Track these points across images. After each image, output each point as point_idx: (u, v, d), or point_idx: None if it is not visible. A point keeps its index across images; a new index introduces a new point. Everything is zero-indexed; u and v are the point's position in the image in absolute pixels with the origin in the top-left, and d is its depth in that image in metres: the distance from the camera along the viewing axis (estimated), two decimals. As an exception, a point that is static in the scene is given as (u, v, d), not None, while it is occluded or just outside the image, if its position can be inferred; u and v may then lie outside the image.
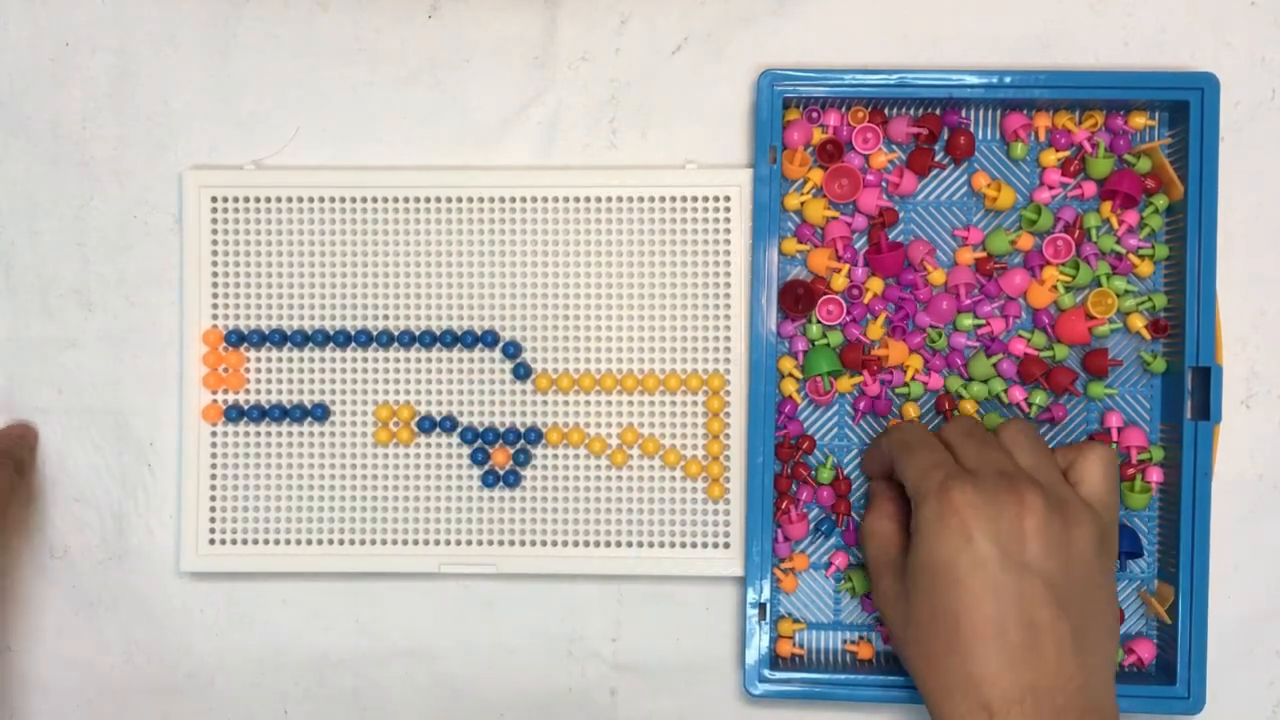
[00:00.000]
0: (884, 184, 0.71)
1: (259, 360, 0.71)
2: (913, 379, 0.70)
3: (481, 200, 0.71)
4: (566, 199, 0.71)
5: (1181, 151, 0.69)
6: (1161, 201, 0.70)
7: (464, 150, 0.72)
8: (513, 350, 0.71)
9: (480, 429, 0.71)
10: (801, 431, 0.71)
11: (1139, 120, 0.70)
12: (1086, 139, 0.70)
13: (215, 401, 0.71)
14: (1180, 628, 0.68)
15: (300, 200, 0.71)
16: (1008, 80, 0.69)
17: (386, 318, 0.71)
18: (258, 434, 0.71)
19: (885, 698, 0.69)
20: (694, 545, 0.70)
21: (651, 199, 0.70)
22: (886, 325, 0.70)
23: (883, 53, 0.71)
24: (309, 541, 0.71)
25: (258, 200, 0.71)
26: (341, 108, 0.72)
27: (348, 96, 0.72)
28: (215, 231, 0.71)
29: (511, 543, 0.71)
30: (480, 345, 0.71)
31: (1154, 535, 0.71)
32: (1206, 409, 0.68)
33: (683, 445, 0.71)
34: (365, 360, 0.71)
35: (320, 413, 0.71)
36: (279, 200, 0.71)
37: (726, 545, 0.70)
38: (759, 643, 0.69)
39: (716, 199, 0.70)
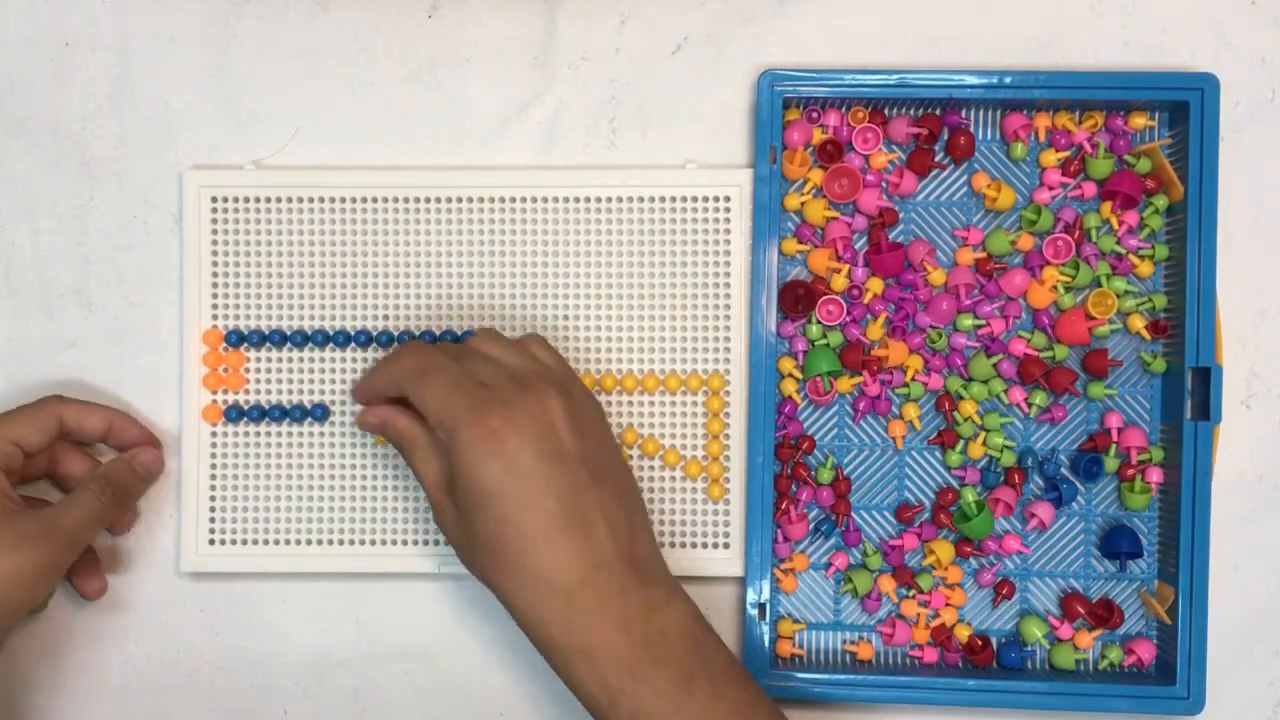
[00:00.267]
0: (884, 184, 0.71)
1: (259, 360, 0.71)
2: (913, 379, 0.70)
3: (481, 200, 0.71)
4: (566, 199, 0.70)
5: (1181, 151, 0.69)
6: (1161, 202, 0.70)
7: (464, 150, 0.72)
8: (513, 350, 0.71)
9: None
10: (801, 431, 0.71)
11: (1139, 120, 0.70)
12: (1086, 139, 0.70)
13: (215, 402, 0.71)
14: (1180, 628, 0.68)
15: (300, 200, 0.71)
16: (1008, 80, 0.69)
17: (386, 318, 0.71)
18: (258, 434, 0.71)
19: (885, 698, 0.69)
20: (694, 545, 0.70)
21: (651, 199, 0.70)
22: (886, 325, 0.70)
23: (883, 53, 0.71)
24: (309, 541, 0.71)
25: (258, 200, 0.71)
26: (341, 108, 0.72)
27: (348, 96, 0.72)
28: (215, 231, 0.71)
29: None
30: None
31: (1154, 535, 0.71)
32: (1206, 409, 0.68)
33: (683, 446, 0.71)
34: (365, 360, 0.71)
35: (320, 413, 0.71)
36: (279, 200, 0.71)
37: (726, 545, 0.70)
38: (759, 643, 0.69)
39: (716, 199, 0.70)
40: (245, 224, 0.71)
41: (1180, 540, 0.68)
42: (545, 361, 0.65)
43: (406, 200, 0.71)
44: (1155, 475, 0.70)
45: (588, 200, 0.70)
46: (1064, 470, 0.71)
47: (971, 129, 0.71)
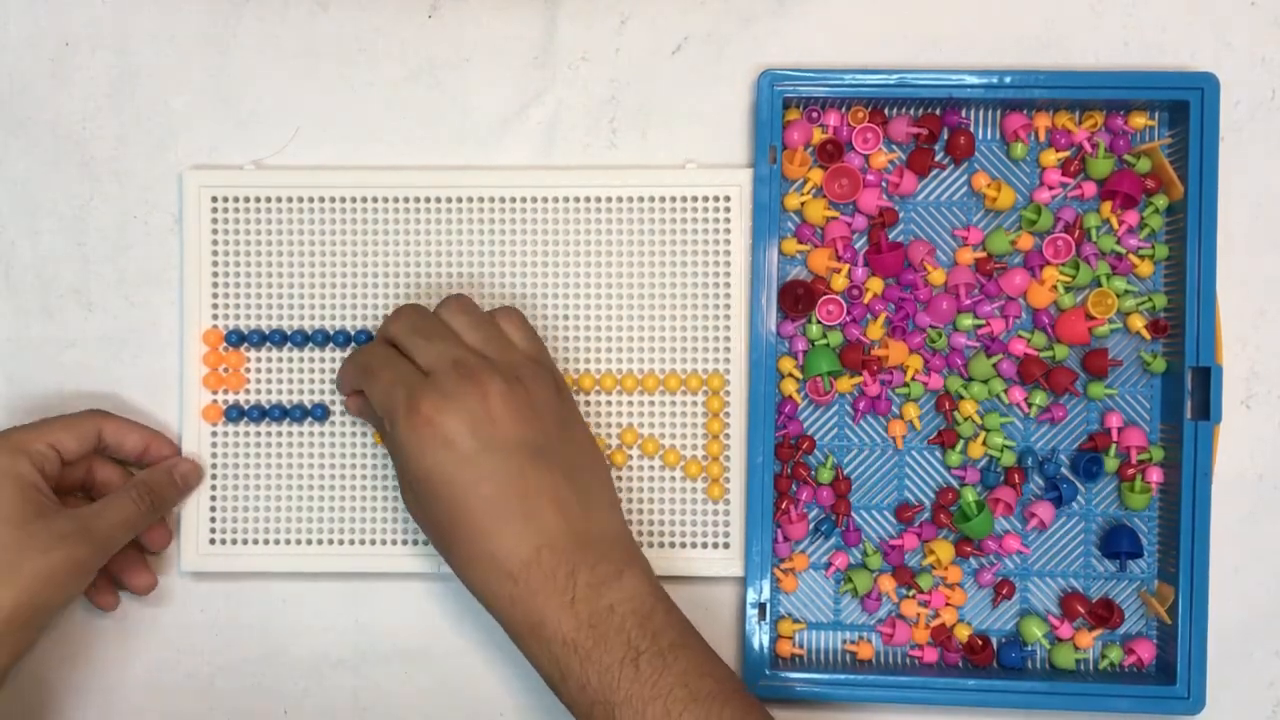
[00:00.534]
0: (884, 184, 0.71)
1: (259, 360, 0.71)
2: (913, 379, 0.70)
3: (481, 200, 0.71)
4: (566, 199, 0.70)
5: (1181, 151, 0.69)
6: (1161, 201, 0.70)
7: (464, 150, 0.72)
8: (513, 350, 0.71)
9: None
10: (801, 431, 0.71)
11: (1139, 120, 0.70)
12: (1086, 139, 0.70)
13: (215, 402, 0.71)
14: (1180, 628, 0.68)
15: (300, 200, 0.71)
16: (1008, 80, 0.69)
17: (384, 318, 0.71)
18: (258, 434, 0.71)
19: (885, 698, 0.69)
20: (694, 545, 0.70)
21: (651, 199, 0.70)
22: (886, 325, 0.70)
23: (883, 53, 0.71)
24: (309, 541, 0.71)
25: (257, 200, 0.71)
26: (341, 108, 0.72)
27: (348, 96, 0.72)
28: (215, 232, 0.71)
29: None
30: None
31: (1154, 535, 0.71)
32: (1206, 409, 0.68)
33: (683, 445, 0.71)
34: (365, 360, 0.71)
35: (320, 413, 0.71)
36: (279, 200, 0.71)
37: (726, 545, 0.70)
38: (759, 643, 0.69)
39: (716, 199, 0.70)
40: (245, 224, 0.71)
41: (1180, 540, 0.68)
42: (512, 338, 0.65)
43: (406, 200, 0.71)
44: (1155, 475, 0.70)
45: (587, 200, 0.70)
46: (1064, 470, 0.71)
47: (971, 129, 0.71)
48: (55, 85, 0.72)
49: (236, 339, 0.71)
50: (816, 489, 0.71)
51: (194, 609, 0.72)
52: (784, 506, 0.70)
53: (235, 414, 0.71)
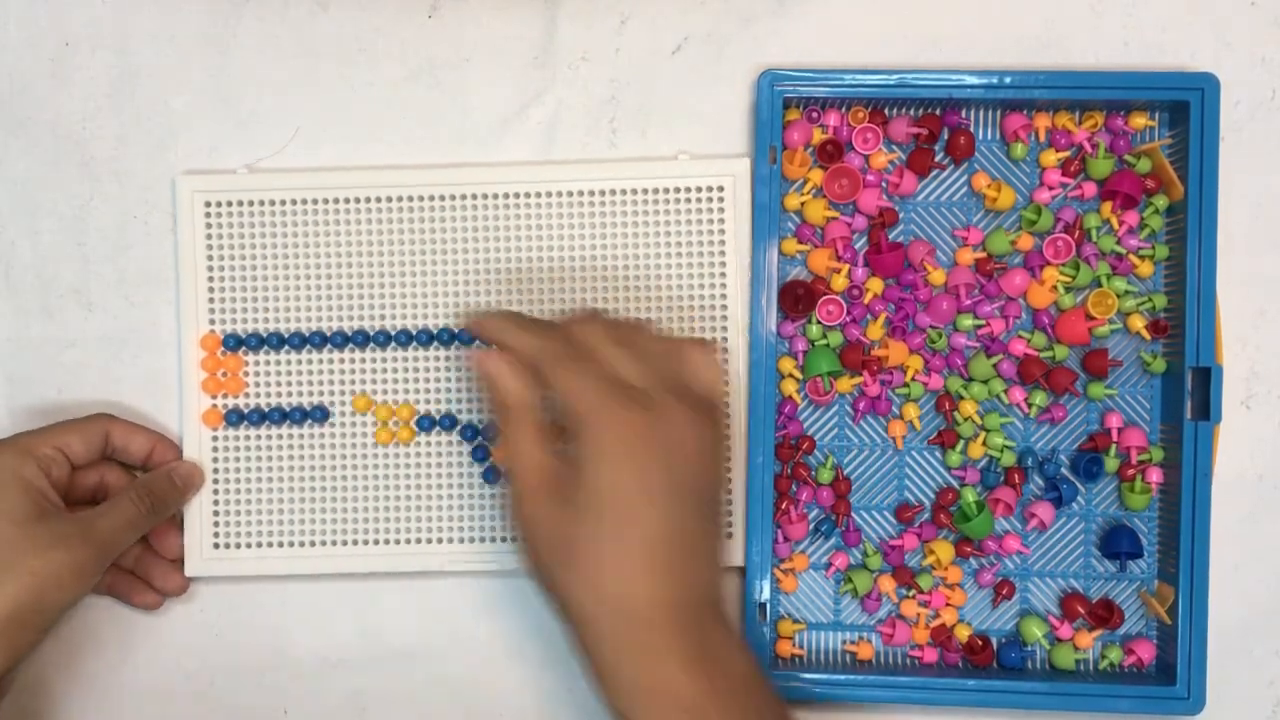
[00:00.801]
0: (884, 184, 0.71)
1: (258, 364, 0.71)
2: (913, 379, 0.70)
3: (476, 198, 0.71)
4: (562, 193, 0.70)
5: (1181, 151, 0.69)
6: (1161, 202, 0.70)
7: (464, 150, 0.72)
8: (513, 349, 0.71)
9: (480, 426, 0.71)
10: (801, 431, 0.71)
11: (1139, 120, 0.70)
12: (1086, 139, 0.70)
13: (215, 406, 0.71)
14: (1180, 628, 0.68)
15: (294, 202, 0.71)
16: (1008, 80, 0.69)
17: (384, 317, 0.71)
18: (258, 437, 0.71)
19: (885, 698, 0.69)
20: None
21: (645, 191, 0.70)
22: (886, 325, 0.70)
23: (883, 53, 0.71)
24: (312, 543, 0.71)
25: (251, 204, 0.71)
26: (341, 108, 0.72)
27: (348, 96, 0.72)
28: (210, 236, 0.71)
29: (514, 539, 0.70)
30: (479, 343, 0.71)
31: (1154, 535, 0.71)
32: (1206, 409, 0.68)
33: (683, 444, 0.71)
34: (364, 360, 0.71)
35: (320, 414, 0.71)
36: (273, 203, 0.71)
37: (729, 535, 0.70)
38: (759, 643, 0.69)
39: (711, 189, 0.70)
40: (240, 227, 0.71)
41: (1180, 540, 0.68)
42: (702, 376, 0.62)
43: (405, 200, 0.71)
44: (1155, 475, 0.70)
45: (582, 195, 0.70)
46: (1064, 470, 0.71)
47: (971, 129, 0.71)
48: (55, 85, 0.72)
49: (234, 343, 0.71)
50: (816, 489, 0.71)
51: (194, 610, 0.72)
52: (784, 507, 0.70)
53: (235, 418, 0.71)
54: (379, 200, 0.71)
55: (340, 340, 0.71)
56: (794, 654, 0.71)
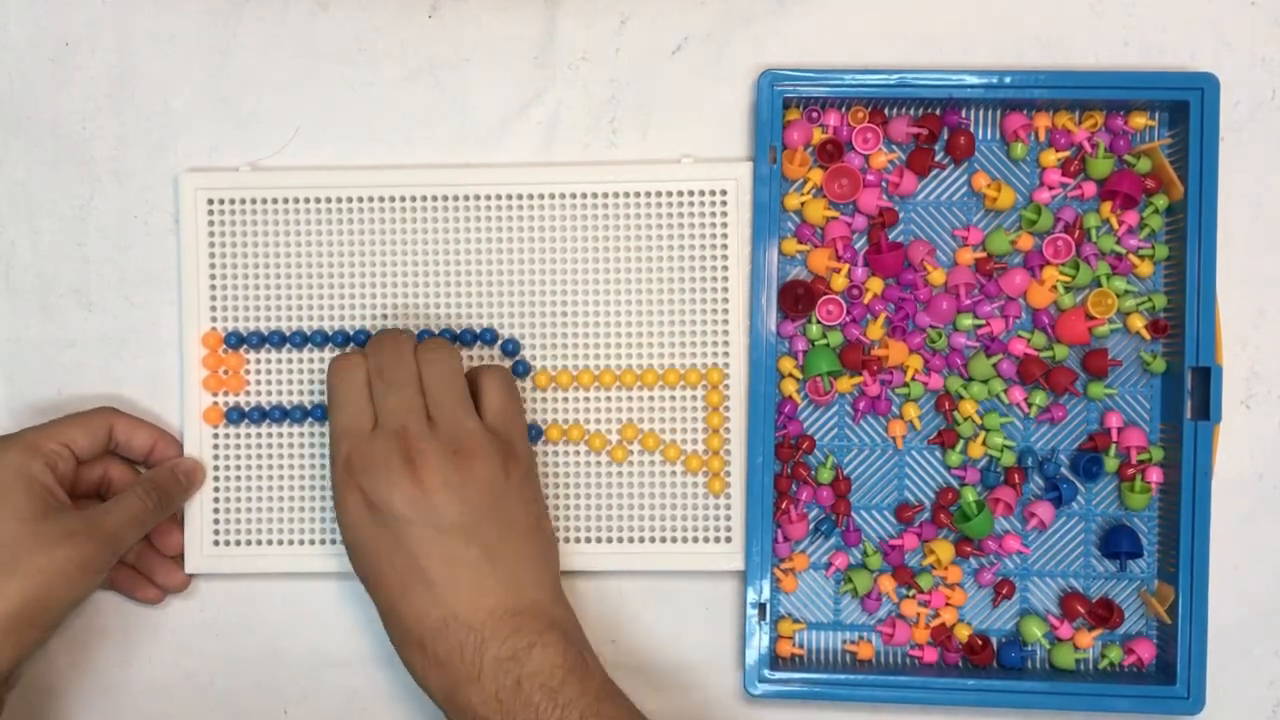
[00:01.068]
0: (884, 184, 0.71)
1: (259, 362, 0.71)
2: (913, 379, 0.70)
3: (478, 198, 0.71)
4: (564, 195, 0.70)
5: (1181, 151, 0.69)
6: (1161, 201, 0.70)
7: (464, 150, 0.72)
8: (511, 347, 0.71)
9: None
10: (801, 431, 0.71)
11: (1139, 120, 0.70)
12: (1086, 139, 0.70)
13: (216, 404, 0.71)
14: (1180, 628, 0.68)
15: (296, 201, 0.71)
16: (1008, 80, 0.69)
17: (384, 317, 0.71)
18: (259, 435, 0.71)
19: (885, 698, 0.69)
20: (695, 540, 0.70)
21: (649, 194, 0.70)
22: (886, 325, 0.70)
23: (883, 53, 0.71)
24: (312, 542, 0.71)
25: (254, 202, 0.71)
26: (341, 108, 0.72)
27: (348, 96, 0.72)
28: (213, 234, 0.71)
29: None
30: (479, 343, 0.71)
31: (1154, 535, 0.71)
32: (1206, 409, 0.68)
33: (683, 440, 0.71)
34: (365, 360, 0.71)
35: (320, 413, 0.71)
36: (275, 202, 0.71)
37: (728, 539, 0.70)
38: (759, 643, 0.69)
39: (713, 192, 0.70)
40: (242, 226, 0.71)
41: (1180, 540, 0.68)
42: (486, 403, 0.66)
43: (404, 200, 0.71)
44: (1155, 475, 0.70)
45: (584, 196, 0.70)
46: (1064, 470, 0.71)
47: (971, 129, 0.71)
48: (55, 85, 0.72)
49: (236, 341, 0.71)
50: (816, 489, 0.71)
51: (194, 608, 0.72)
52: (784, 506, 0.70)
53: (236, 416, 0.71)
54: (379, 200, 0.71)
55: (341, 339, 0.71)
56: (794, 654, 0.71)
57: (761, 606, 0.69)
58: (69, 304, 0.72)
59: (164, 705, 0.72)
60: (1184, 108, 0.68)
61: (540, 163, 0.72)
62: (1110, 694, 0.68)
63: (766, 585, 0.69)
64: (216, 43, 0.72)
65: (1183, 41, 0.71)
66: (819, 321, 0.70)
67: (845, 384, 0.70)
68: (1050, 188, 0.70)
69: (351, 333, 0.71)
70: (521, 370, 0.71)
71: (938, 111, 0.70)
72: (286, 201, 0.71)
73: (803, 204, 0.70)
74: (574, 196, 0.71)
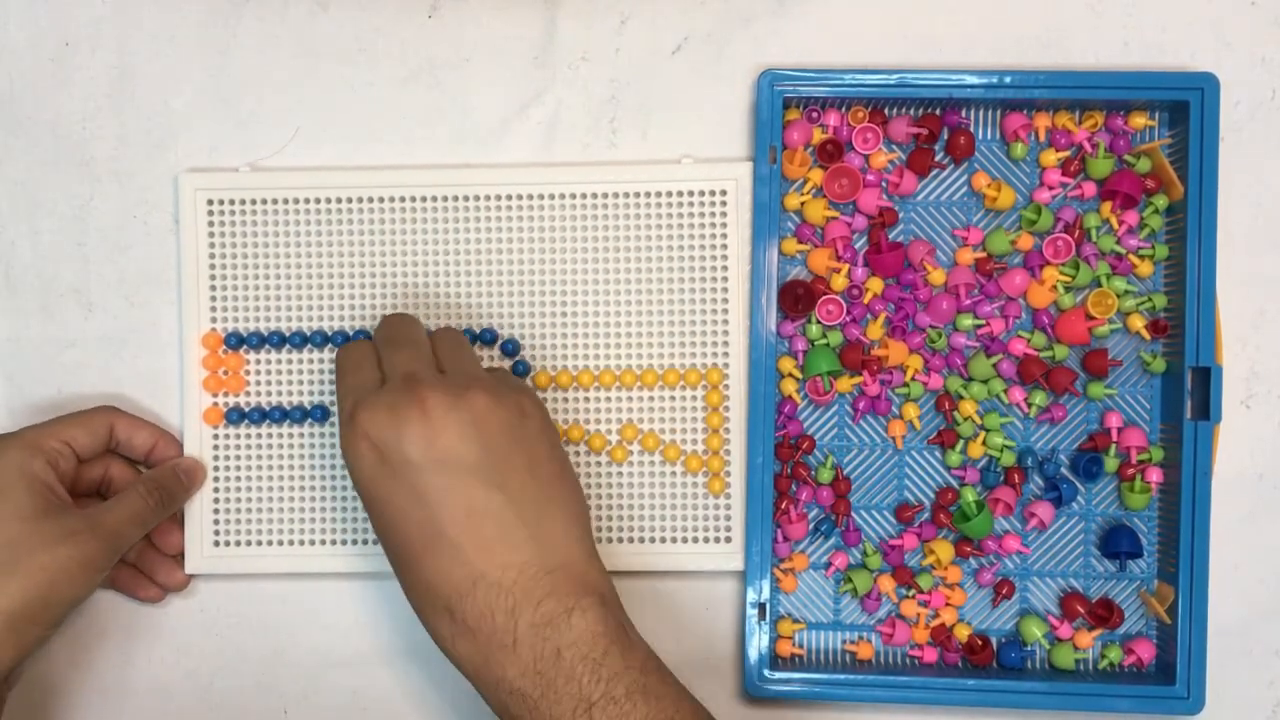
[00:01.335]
0: (884, 184, 0.71)
1: (259, 362, 0.71)
2: (913, 379, 0.70)
3: (478, 198, 0.71)
4: (563, 195, 0.70)
5: (1181, 151, 0.69)
6: (1161, 201, 0.70)
7: (464, 150, 0.72)
8: (511, 347, 0.71)
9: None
10: (801, 431, 0.71)
11: (1139, 120, 0.70)
12: (1086, 139, 0.70)
13: (216, 404, 0.71)
14: (1180, 628, 0.68)
15: (296, 201, 0.71)
16: (1008, 80, 0.69)
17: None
18: (259, 435, 0.71)
19: (885, 698, 0.69)
20: (695, 540, 0.70)
21: (648, 194, 0.70)
22: (886, 325, 0.70)
23: (883, 53, 0.71)
24: (312, 542, 0.71)
25: (254, 202, 0.71)
26: (341, 108, 0.72)
27: (348, 96, 0.72)
28: (212, 234, 0.71)
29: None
30: (479, 343, 0.71)
31: (1154, 535, 0.71)
32: (1206, 409, 0.68)
33: (683, 440, 0.71)
34: (365, 360, 0.71)
35: (320, 414, 0.71)
36: (275, 202, 0.71)
37: (728, 539, 0.70)
38: (759, 643, 0.69)
39: (713, 192, 0.70)
40: (242, 226, 0.71)
41: (1180, 540, 0.68)
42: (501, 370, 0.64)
43: (404, 200, 0.71)
44: (1155, 475, 0.70)
45: (584, 197, 0.70)
46: (1064, 470, 0.71)
47: (971, 129, 0.71)
48: (55, 85, 0.72)
49: (236, 342, 0.71)
50: (816, 489, 0.71)
51: (194, 608, 0.72)
52: (784, 506, 0.70)
53: (236, 416, 0.71)
54: (379, 200, 0.71)
55: (341, 339, 0.71)
56: (794, 654, 0.71)
57: (761, 606, 0.69)
58: (69, 304, 0.72)
59: (164, 705, 0.72)
60: (1184, 108, 0.68)
61: (540, 163, 0.72)
62: (1110, 694, 0.68)
63: (766, 585, 0.69)
64: (216, 43, 0.72)
65: (1183, 41, 0.71)
66: (819, 321, 0.70)
67: (845, 384, 0.70)
68: (1050, 188, 0.70)
69: (351, 333, 0.71)
70: (521, 370, 0.71)
71: (938, 111, 0.70)
72: (286, 202, 0.71)
73: (803, 204, 0.70)
74: (574, 197, 0.71)
